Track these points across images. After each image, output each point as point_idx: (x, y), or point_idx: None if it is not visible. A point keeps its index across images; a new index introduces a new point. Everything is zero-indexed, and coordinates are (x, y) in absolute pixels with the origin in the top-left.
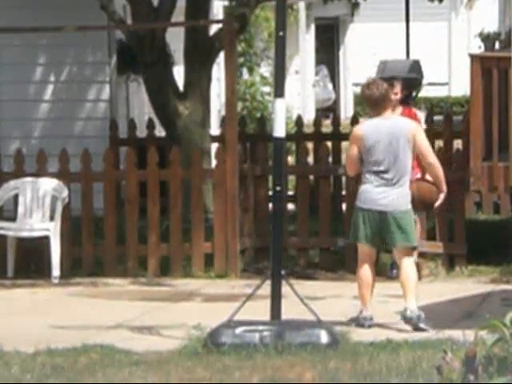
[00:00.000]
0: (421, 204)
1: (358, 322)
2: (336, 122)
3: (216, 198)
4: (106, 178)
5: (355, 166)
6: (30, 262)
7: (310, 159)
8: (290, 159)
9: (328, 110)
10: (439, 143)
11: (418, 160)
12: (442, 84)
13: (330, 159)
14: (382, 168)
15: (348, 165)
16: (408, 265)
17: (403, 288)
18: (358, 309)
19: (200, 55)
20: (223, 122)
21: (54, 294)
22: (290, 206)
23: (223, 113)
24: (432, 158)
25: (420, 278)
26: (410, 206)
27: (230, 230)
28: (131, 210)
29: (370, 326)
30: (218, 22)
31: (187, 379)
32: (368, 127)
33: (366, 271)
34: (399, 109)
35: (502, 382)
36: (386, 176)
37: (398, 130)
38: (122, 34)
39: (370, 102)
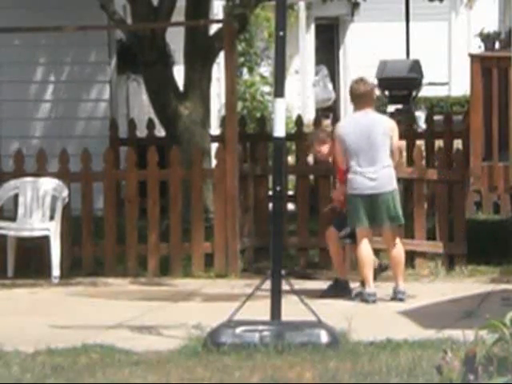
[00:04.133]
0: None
1: (363, 297)
2: (336, 122)
3: (216, 198)
4: (106, 177)
5: (342, 159)
6: (30, 261)
7: (310, 159)
8: (290, 159)
9: (328, 109)
10: (439, 143)
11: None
12: (442, 84)
13: (330, 159)
14: (362, 157)
15: (338, 161)
16: (400, 244)
17: (396, 267)
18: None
19: (200, 55)
20: (223, 122)
21: (54, 293)
22: (290, 206)
23: (223, 113)
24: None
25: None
26: (395, 186)
27: (230, 230)
28: (131, 209)
29: (374, 301)
30: (218, 21)
31: (187, 379)
32: (347, 121)
33: (368, 251)
34: None
35: (502, 382)
36: (366, 163)
37: (376, 124)
38: (122, 34)
39: (355, 96)
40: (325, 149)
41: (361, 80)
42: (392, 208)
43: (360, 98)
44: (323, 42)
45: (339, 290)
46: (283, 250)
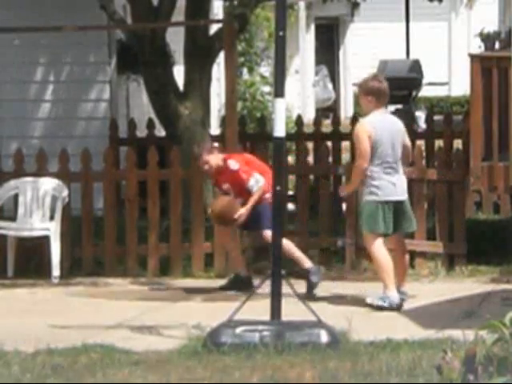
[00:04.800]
0: (219, 219)
1: (391, 303)
2: (336, 121)
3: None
4: (106, 177)
5: (368, 157)
6: (30, 261)
7: (310, 159)
8: (290, 159)
9: (328, 109)
10: (439, 143)
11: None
12: (442, 84)
13: (330, 159)
14: (388, 162)
15: (365, 157)
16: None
17: (404, 269)
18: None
19: (200, 55)
20: (223, 121)
21: (54, 293)
22: (290, 206)
23: (223, 113)
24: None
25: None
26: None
27: (230, 229)
28: (131, 209)
29: (403, 300)
30: (218, 21)
31: (187, 379)
32: (375, 120)
33: (388, 257)
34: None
35: (502, 382)
36: (393, 168)
37: (398, 126)
38: (122, 34)
39: (381, 94)
40: (212, 160)
41: (378, 76)
42: (412, 214)
43: (379, 96)
44: (323, 42)
45: (240, 285)
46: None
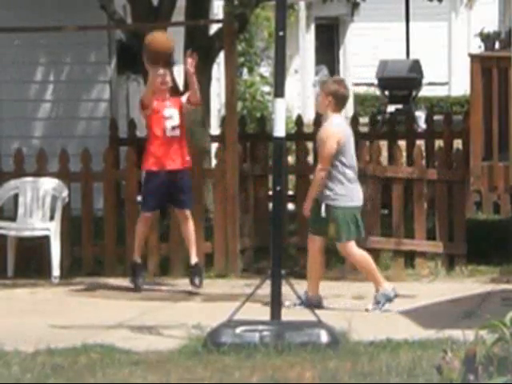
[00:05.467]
0: None
1: (388, 298)
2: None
3: (216, 197)
4: (106, 177)
5: (331, 162)
6: (30, 261)
7: (310, 159)
8: (290, 159)
9: None
10: (439, 143)
11: None
12: (442, 84)
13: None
14: (354, 166)
15: (329, 161)
16: None
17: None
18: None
19: (200, 55)
20: (223, 122)
21: (54, 293)
22: (290, 206)
23: (223, 113)
24: None
25: None
26: None
27: (230, 230)
28: (131, 209)
29: (395, 296)
30: (218, 21)
31: (187, 379)
32: (342, 125)
33: (367, 255)
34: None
35: (502, 382)
36: (355, 170)
37: (351, 131)
38: (122, 34)
39: (343, 100)
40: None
41: (343, 82)
42: None
43: (339, 101)
44: (323, 42)
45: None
46: (283, 250)
